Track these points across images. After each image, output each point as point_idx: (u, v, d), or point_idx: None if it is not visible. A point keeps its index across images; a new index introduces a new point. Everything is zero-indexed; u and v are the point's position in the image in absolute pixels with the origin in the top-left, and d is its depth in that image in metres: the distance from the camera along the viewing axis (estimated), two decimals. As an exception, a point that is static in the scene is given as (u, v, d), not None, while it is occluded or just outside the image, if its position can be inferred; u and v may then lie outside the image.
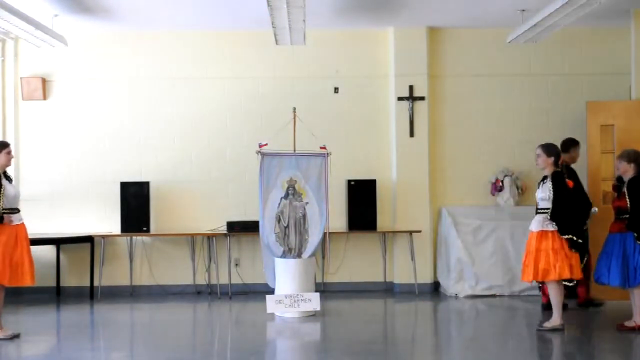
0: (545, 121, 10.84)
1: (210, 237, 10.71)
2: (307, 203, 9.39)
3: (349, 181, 10.65)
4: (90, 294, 10.41)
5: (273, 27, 8.89)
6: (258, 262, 10.24)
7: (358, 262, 10.96)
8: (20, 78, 10.86)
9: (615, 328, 8.00)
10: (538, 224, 7.93)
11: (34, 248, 8.16)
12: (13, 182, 8.01)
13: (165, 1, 9.48)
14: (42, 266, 9.83)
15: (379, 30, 10.97)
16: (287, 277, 9.07)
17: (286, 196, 9.41)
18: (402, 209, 10.82)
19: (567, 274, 7.78)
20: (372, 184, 10.68)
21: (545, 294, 8.80)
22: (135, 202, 10.46)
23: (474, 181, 10.97)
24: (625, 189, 7.95)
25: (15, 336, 7.79)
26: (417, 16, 10.32)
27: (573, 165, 9.14)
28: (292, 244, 9.35)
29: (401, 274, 10.83)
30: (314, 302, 8.91)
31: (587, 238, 8.70)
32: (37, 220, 9.85)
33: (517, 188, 10.76)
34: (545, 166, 8.03)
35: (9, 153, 7.82)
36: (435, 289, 10.86)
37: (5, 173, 7.81)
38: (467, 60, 11.08)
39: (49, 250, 10.51)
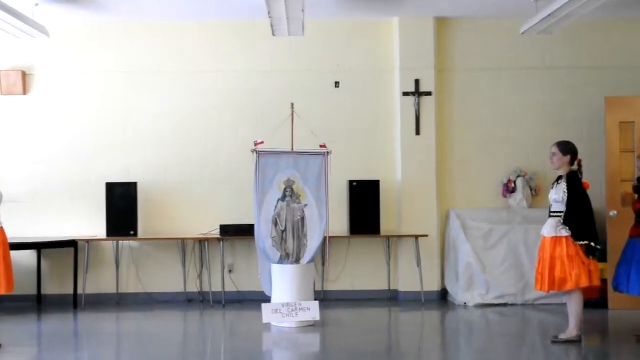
0: (560, 118, 10.90)
1: (202, 242, 10.76)
2: (305, 205, 9.41)
3: (351, 182, 10.70)
4: (74, 302, 10.43)
5: (269, 16, 8.91)
6: (253, 268, 10.20)
7: (360, 269, 11.02)
8: (-1, 71, 10.98)
9: (635, 339, 8.04)
10: (551, 228, 7.93)
11: (13, 253, 8.19)
12: None
13: None
14: (21, 272, 9.92)
15: (383, 20, 11.05)
16: (284, 285, 9.10)
17: (283, 198, 9.42)
18: (407, 212, 10.86)
19: (585, 282, 7.78)
20: (375, 184, 10.74)
21: None
22: (121, 204, 10.50)
23: (484, 182, 11.04)
24: None
25: (-3, 347, 7.91)
26: (423, 5, 10.39)
27: None
28: (289, 249, 9.36)
29: (406, 281, 10.88)
30: (312, 311, 8.93)
31: None
32: (16, 223, 9.87)
33: (531, 189, 10.83)
34: (561, 165, 8.03)
35: None
36: (442, 297, 10.92)
37: None
38: (477, 53, 11.14)
39: (29, 256, 10.56)
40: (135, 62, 11.07)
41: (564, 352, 7.67)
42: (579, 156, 8.07)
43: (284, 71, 11.04)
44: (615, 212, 9.84)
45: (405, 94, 10.90)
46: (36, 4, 9.71)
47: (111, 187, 10.54)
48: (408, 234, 10.76)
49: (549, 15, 9.41)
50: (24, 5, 9.57)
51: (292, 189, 9.43)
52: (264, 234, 9.35)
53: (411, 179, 10.87)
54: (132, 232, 10.51)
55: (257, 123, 10.70)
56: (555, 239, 7.88)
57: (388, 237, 10.91)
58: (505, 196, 10.91)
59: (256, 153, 9.32)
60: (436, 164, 10.92)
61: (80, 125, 10.99)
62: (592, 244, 7.80)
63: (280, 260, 9.30)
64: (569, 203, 7.84)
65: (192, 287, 10.90)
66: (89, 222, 10.78)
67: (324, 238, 9.39)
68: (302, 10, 8.67)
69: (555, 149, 8.07)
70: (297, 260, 9.30)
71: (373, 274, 11.05)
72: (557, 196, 7.95)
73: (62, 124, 11.00)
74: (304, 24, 9.31)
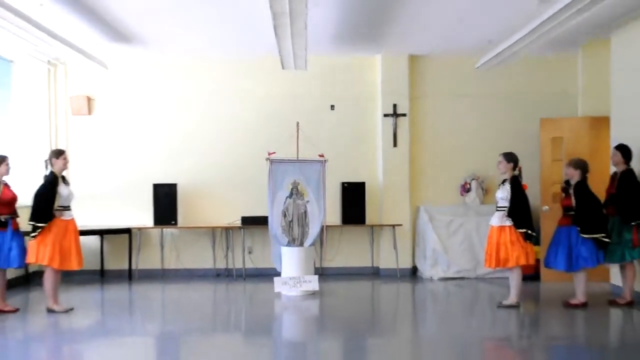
0: (506, 134, 10.79)
1: (227, 229, 10.77)
2: (308, 201, 9.41)
3: (343, 183, 10.71)
4: (129, 276, 10.51)
5: (280, 54, 8.91)
6: (267, 250, 10.26)
7: (350, 251, 11.02)
8: (69, 97, 10.92)
9: (562, 305, 8.17)
10: (497, 219, 8.05)
11: (82, 238, 8.24)
12: (69, 184, 8.07)
13: (190, 32, 9.55)
14: (88, 253, 9.96)
15: (368, 57, 11.02)
16: (291, 263, 9.14)
17: (290, 195, 9.43)
18: (386, 207, 10.87)
19: (523, 261, 7.92)
20: (362, 186, 10.73)
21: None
22: (165, 201, 10.51)
23: (446, 184, 11.02)
24: (571, 191, 8.11)
25: (70, 310, 7.96)
26: (400, 45, 10.38)
27: None
28: (295, 235, 9.39)
29: (385, 260, 10.90)
30: (313, 283, 8.99)
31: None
32: (84, 215, 9.89)
33: (482, 190, 10.86)
34: (505, 171, 8.11)
35: (65, 159, 7.90)
36: (413, 273, 10.92)
37: (62, 176, 7.94)
38: (442, 83, 11.08)
39: (95, 240, 10.64)
40: (175, 89, 11.04)
41: (507, 315, 7.80)
42: (520, 164, 8.16)
43: (291, 97, 10.99)
44: (547, 207, 9.88)
45: (385, 115, 10.87)
46: (97, 44, 9.82)
47: (157, 187, 10.55)
48: (387, 224, 10.79)
49: (499, 53, 9.46)
50: (88, 44, 9.69)
51: (297, 189, 9.45)
52: (275, 223, 9.38)
53: (390, 181, 10.88)
54: (173, 222, 10.52)
55: (270, 137, 10.35)
56: (501, 228, 8.01)
57: (372, 226, 10.89)
58: (462, 195, 10.93)
59: (269, 161, 9.35)
60: (409, 170, 10.91)
61: (133, 138, 11.00)
62: (529, 231, 7.94)
63: (288, 244, 9.32)
64: (512, 200, 7.95)
65: (220, 264, 10.89)
66: (140, 214, 10.76)
67: (322, 227, 9.39)
68: (305, 49, 8.68)
69: (501, 158, 8.17)
70: (301, 244, 9.33)
71: (360, 255, 11.04)
72: (503, 195, 8.05)
73: (118, 138, 11.00)
74: (306, 60, 9.32)
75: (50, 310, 7.88)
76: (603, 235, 7.96)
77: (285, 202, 9.46)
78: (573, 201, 8.08)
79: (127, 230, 10.59)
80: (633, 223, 8.00)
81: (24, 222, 7.98)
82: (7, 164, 7.83)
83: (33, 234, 7.68)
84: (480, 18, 8.83)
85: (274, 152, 9.41)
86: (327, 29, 9.35)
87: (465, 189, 10.95)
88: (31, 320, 7.74)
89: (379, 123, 11.05)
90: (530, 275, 9.62)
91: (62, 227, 7.78)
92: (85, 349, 6.61)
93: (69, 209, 7.94)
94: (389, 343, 6.89)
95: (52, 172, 7.86)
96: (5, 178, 7.85)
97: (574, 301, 8.14)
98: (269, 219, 9.45)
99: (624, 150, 8.26)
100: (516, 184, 8.06)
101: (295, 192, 9.51)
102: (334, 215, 10.71)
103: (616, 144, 8.47)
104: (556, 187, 9.66)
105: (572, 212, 8.09)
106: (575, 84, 10.65)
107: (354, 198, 10.73)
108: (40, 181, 7.92)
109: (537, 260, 9.02)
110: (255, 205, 10.63)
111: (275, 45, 8.58)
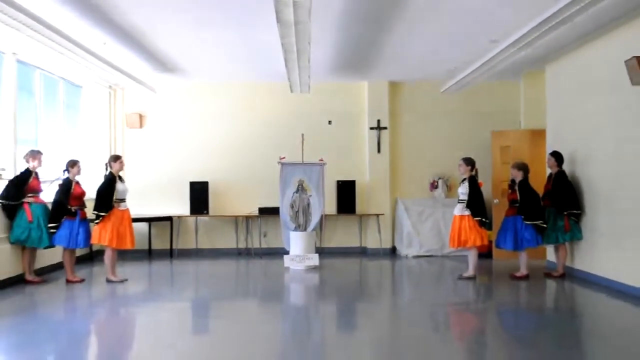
0: (465, 143, 10.77)
1: (247, 217, 10.76)
2: (310, 196, 9.41)
3: (338, 181, 10.69)
4: (170, 254, 10.53)
5: (289, 80, 8.99)
6: (279, 234, 10.21)
7: (343, 234, 10.98)
8: (125, 113, 10.95)
9: (509, 277, 8.18)
10: (459, 210, 8.02)
11: (134, 224, 8.27)
12: (124, 182, 8.06)
13: (219, 64, 9.54)
14: (139, 236, 9.82)
15: (357, 83, 10.99)
16: (297, 244, 9.15)
17: (297, 191, 9.42)
18: (372, 200, 10.85)
19: (479, 242, 7.91)
20: (353, 183, 10.72)
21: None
22: (199, 194, 10.50)
23: (418, 181, 11.00)
24: (516, 188, 8.09)
25: (125, 280, 7.98)
26: (382, 74, 10.37)
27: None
28: (300, 222, 9.38)
29: (371, 242, 10.88)
30: (314, 260, 9.01)
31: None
32: (136, 206, 9.97)
33: (447, 186, 10.85)
34: (465, 172, 8.08)
35: (121, 162, 7.92)
36: (393, 252, 10.90)
37: (119, 176, 7.95)
38: (415, 104, 11.07)
39: (144, 226, 10.57)
40: (207, 108, 11.02)
41: (465, 285, 7.81)
42: (476, 166, 8.14)
43: (297, 113, 10.94)
44: (497, 200, 9.89)
45: (371, 128, 10.86)
46: (148, 73, 9.82)
47: (192, 184, 10.54)
48: (372, 213, 10.77)
49: (459, 80, 9.54)
50: (141, 73, 9.72)
51: (302, 186, 9.44)
52: (285, 213, 9.38)
53: (375, 180, 10.86)
54: (205, 212, 10.50)
55: (281, 145, 10.49)
56: (462, 217, 7.99)
57: (360, 215, 10.84)
58: (431, 190, 10.91)
59: (281, 164, 9.39)
60: (390, 171, 10.88)
61: (174, 146, 10.97)
62: (484, 219, 7.93)
63: (295, 229, 9.31)
64: (470, 195, 7.93)
65: (241, 245, 10.83)
66: (179, 206, 10.75)
67: (322, 216, 9.40)
68: (309, 76, 8.76)
69: (461, 162, 8.14)
70: (305, 229, 9.33)
71: (351, 238, 11.00)
72: (463, 191, 8.03)
73: (163, 145, 10.98)
74: (309, 85, 9.39)
75: (109, 281, 7.88)
76: (541, 222, 7.97)
77: (292, 196, 9.45)
78: (518, 196, 8.07)
79: (169, 218, 10.59)
80: (565, 213, 8.04)
81: (89, 211, 7.99)
82: (79, 167, 7.88)
83: (96, 221, 7.71)
84: (444, 53, 8.82)
85: (284, 157, 9.49)
86: (325, 62, 9.36)
87: (434, 186, 10.94)
88: (94, 289, 7.75)
89: (366, 134, 11.03)
90: (484, 253, 9.65)
91: (119, 216, 7.79)
92: (137, 310, 6.62)
93: (124, 201, 7.95)
94: (374, 306, 6.90)
95: (111, 173, 7.88)
96: (77, 177, 7.89)
97: (518, 274, 8.12)
98: (280, 209, 9.47)
99: (557, 156, 8.26)
100: (473, 182, 8.05)
101: (300, 189, 9.49)
102: (331, 206, 10.67)
103: (551, 151, 8.47)
104: (504, 184, 9.62)
105: (517, 204, 8.07)
106: (518, 104, 10.61)
107: (346, 193, 10.72)
108: (102, 180, 7.93)
109: (490, 242, 9.05)
110: (269, 198, 10.58)
111: (285, 74, 8.66)
